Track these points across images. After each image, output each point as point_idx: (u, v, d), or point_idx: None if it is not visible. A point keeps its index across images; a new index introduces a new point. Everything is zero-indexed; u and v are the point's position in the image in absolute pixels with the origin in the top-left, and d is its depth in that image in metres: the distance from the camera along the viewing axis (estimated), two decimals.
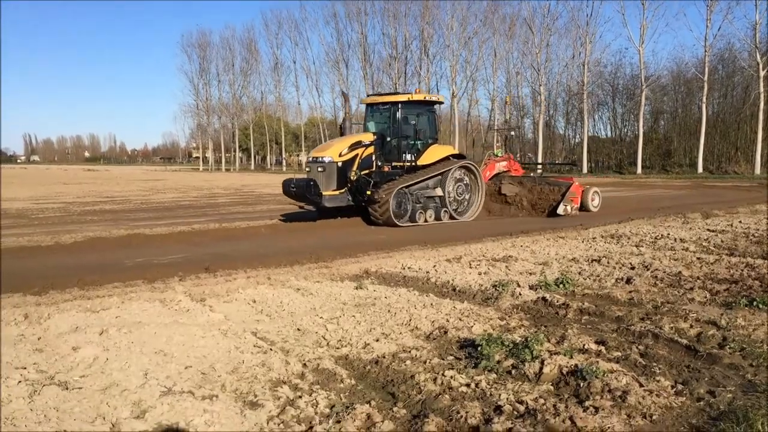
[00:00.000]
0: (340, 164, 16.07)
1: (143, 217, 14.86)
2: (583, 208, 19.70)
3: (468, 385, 4.59)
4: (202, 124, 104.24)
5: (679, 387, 4.52)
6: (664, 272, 8.84)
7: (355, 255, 11.11)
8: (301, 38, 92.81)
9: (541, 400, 4.29)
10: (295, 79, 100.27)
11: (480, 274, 9.03)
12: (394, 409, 4.25)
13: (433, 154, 17.65)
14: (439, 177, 17.47)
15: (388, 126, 17.31)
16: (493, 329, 6.13)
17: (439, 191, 17.48)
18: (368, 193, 15.91)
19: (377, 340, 5.78)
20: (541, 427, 3.90)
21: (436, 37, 78.03)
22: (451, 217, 17.70)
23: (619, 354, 5.29)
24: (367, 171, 16.49)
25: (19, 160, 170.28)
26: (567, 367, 4.84)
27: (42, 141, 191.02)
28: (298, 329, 6.27)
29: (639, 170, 58.07)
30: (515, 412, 4.12)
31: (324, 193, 15.84)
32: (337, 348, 5.65)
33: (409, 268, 9.63)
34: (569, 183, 19.34)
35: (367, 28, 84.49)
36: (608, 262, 9.70)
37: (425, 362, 5.17)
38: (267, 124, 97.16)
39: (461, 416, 4.04)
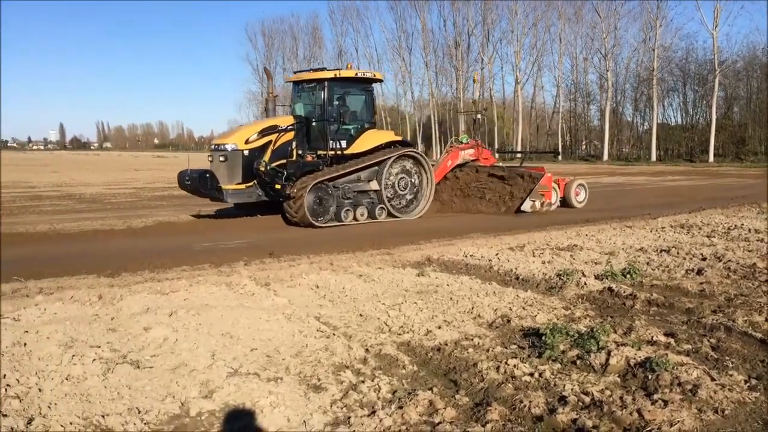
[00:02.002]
0: (246, 153, 13.61)
1: (209, 203, 15.17)
2: (566, 203, 17.52)
3: (531, 375, 4.54)
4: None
5: (753, 382, 4.36)
6: (738, 264, 8.52)
7: (416, 242, 11.10)
8: (364, 26, 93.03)
9: (608, 392, 4.21)
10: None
11: (544, 262, 8.90)
12: (457, 396, 4.24)
13: (368, 140, 15.01)
14: (376, 168, 14.98)
15: (314, 108, 14.96)
16: (558, 319, 6.04)
17: (374, 185, 14.87)
18: (277, 187, 13.44)
19: (439, 328, 5.77)
20: (607, 419, 3.82)
21: (499, 22, 76.79)
22: (390, 215, 15.12)
23: (690, 347, 5.14)
24: (283, 161, 13.91)
25: (92, 147, 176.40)
26: (634, 358, 4.73)
27: (114, 128, 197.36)
28: (361, 315, 6.32)
29: (711, 158, 56.13)
30: (580, 403, 4.05)
31: (225, 186, 13.38)
32: (399, 334, 5.67)
33: (471, 255, 9.57)
34: (539, 174, 16.53)
35: (428, 14, 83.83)
36: (678, 253, 9.41)
37: (488, 350, 5.14)
38: None
39: (524, 405, 4.00)
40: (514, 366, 4.67)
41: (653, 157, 61.95)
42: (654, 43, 62.47)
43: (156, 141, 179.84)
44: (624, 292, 6.96)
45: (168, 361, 4.81)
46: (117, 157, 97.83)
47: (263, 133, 13.89)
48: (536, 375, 4.54)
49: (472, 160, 17.74)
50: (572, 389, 4.25)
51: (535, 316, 6.13)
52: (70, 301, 6.60)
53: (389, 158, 14.97)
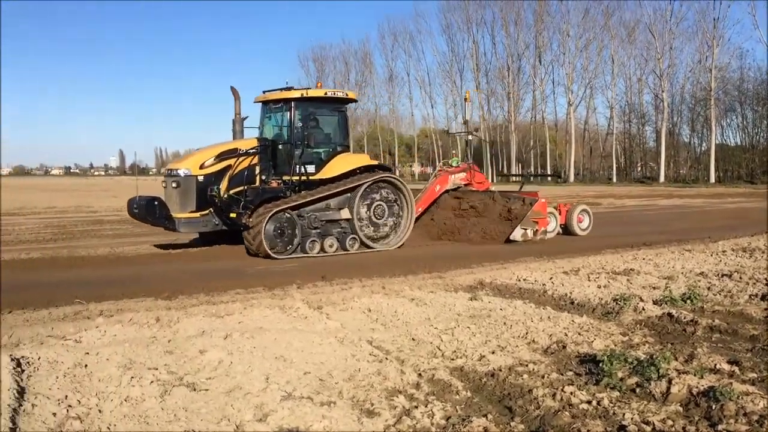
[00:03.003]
0: (200, 178, 12.59)
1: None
2: (567, 230, 16.17)
3: (589, 402, 4.43)
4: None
5: None
6: None
7: (468, 266, 11.03)
8: (416, 49, 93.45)
9: (669, 422, 4.07)
10: (408, 90, 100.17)
11: (599, 287, 8.73)
12: (512, 423, 4.17)
13: (339, 165, 13.64)
14: (348, 195, 13.63)
15: (280, 130, 13.89)
16: (615, 345, 5.90)
17: (345, 213, 13.48)
18: (232, 215, 12.41)
19: (493, 353, 5.70)
20: None
21: (551, 43, 76.44)
22: (364, 245, 13.67)
23: (755, 375, 4.95)
24: (243, 187, 12.89)
25: (150, 173, 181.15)
26: (697, 387, 4.57)
27: (171, 154, 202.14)
28: (413, 339, 6.29)
29: None
30: None
31: (177, 215, 12.46)
32: (452, 359, 5.61)
33: (524, 279, 9.45)
34: (532, 199, 15.08)
35: (481, 37, 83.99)
36: (741, 278, 9.11)
37: (543, 377, 5.04)
38: (381, 136, 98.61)
39: None
40: (571, 393, 4.57)
41: (712, 179, 60.39)
42: (711, 63, 61.17)
43: None
44: (684, 318, 6.75)
45: (223, 383, 4.86)
46: None
47: (221, 157, 12.88)
48: (594, 403, 4.42)
49: (465, 185, 16.53)
50: (632, 418, 4.13)
51: (592, 342, 6.00)
52: (129, 324, 6.75)
53: (362, 184, 13.60)
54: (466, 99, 18.89)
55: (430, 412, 4.33)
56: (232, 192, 12.69)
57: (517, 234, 14.43)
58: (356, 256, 13.05)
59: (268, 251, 12.19)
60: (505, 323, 6.74)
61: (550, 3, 75.05)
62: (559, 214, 16.10)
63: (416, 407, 4.43)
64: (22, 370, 5.02)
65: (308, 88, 13.55)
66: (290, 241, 12.67)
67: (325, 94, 13.71)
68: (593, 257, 11.63)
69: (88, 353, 5.50)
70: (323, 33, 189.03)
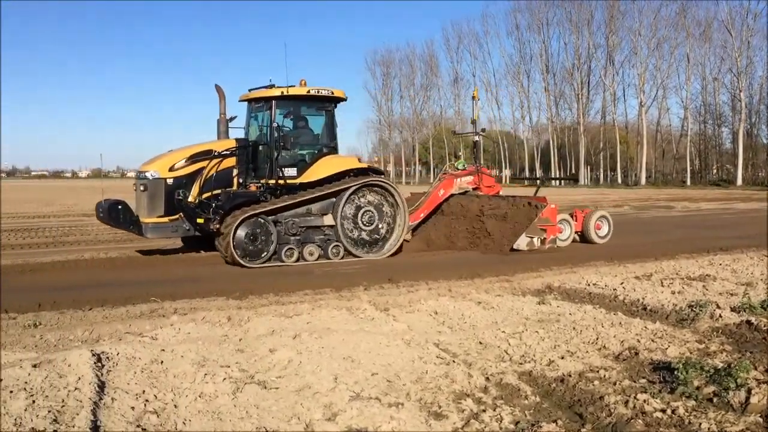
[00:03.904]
0: (169, 181, 11.97)
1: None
2: (585, 238, 15.07)
3: (663, 411, 4.31)
4: (383, 139, 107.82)
5: None
6: None
7: (536, 269, 10.89)
8: (481, 51, 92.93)
9: None
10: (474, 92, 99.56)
11: (673, 293, 8.47)
12: (582, 430, 4.10)
13: (324, 168, 12.74)
14: (332, 200, 12.74)
15: (260, 130, 13.12)
16: (691, 353, 5.72)
17: (328, 219, 12.60)
18: (199, 221, 11.71)
19: (562, 358, 5.61)
20: None
21: (622, 44, 74.67)
22: (349, 254, 12.76)
23: None
24: (217, 191, 12.25)
25: None
26: None
27: None
28: (480, 342, 6.25)
29: None
30: None
31: (144, 219, 11.95)
32: (521, 363, 5.55)
33: (594, 284, 9.26)
34: (540, 205, 13.86)
35: (549, 38, 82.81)
36: None
37: (615, 383, 4.93)
38: (446, 138, 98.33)
39: None
40: (644, 401, 4.45)
41: None
42: None
43: None
44: (764, 326, 6.49)
45: (293, 382, 4.94)
46: None
47: (193, 159, 12.21)
48: (669, 411, 4.30)
49: (473, 189, 15.45)
50: (709, 428, 4.00)
51: (666, 349, 5.83)
52: (202, 322, 6.96)
53: (347, 188, 12.68)
54: (473, 97, 17.28)
55: (499, 416, 4.30)
56: (205, 196, 12.08)
57: (521, 242, 13.39)
58: (422, 259, 13.03)
59: (237, 259, 11.52)
60: (574, 328, 6.63)
61: (621, 3, 73.38)
62: (575, 220, 15.04)
63: (484, 411, 4.40)
64: (102, 365, 5.22)
65: (291, 86, 12.68)
66: (264, 249, 11.89)
67: (308, 92, 12.82)
68: (666, 262, 11.31)
69: (163, 350, 5.68)
70: (390, 36, 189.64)
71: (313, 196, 12.40)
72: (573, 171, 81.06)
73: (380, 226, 13.15)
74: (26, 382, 4.75)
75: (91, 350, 5.47)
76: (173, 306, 7.97)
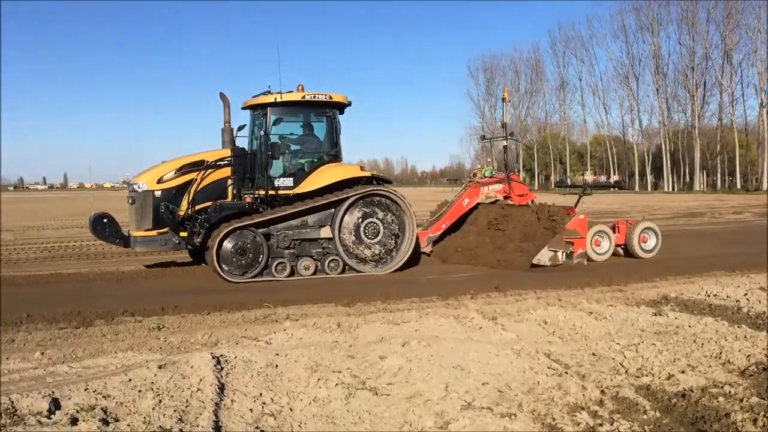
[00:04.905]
0: (158, 194, 11.53)
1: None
2: (628, 252, 13.91)
3: None
4: (486, 146, 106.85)
5: None
6: None
7: (650, 279, 10.50)
8: (588, 55, 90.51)
9: None
10: (580, 96, 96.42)
11: None
12: None
13: (323, 177, 11.99)
14: (331, 210, 12.04)
15: (256, 139, 12.39)
16: None
17: (326, 232, 11.94)
18: (183, 234, 11.43)
19: (683, 372, 5.36)
20: None
21: (740, 42, 70.74)
22: (349, 267, 12.02)
23: None
24: (209, 203, 11.68)
25: None
26: None
27: None
28: (593, 354, 6.07)
29: None
30: None
31: (133, 233, 11.68)
32: (637, 377, 5.35)
33: (714, 295, 8.81)
34: (567, 215, 12.81)
35: (660, 38, 79.64)
36: None
37: (742, 400, 4.66)
38: (551, 144, 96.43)
39: None
40: None
41: None
42: None
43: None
44: None
45: (403, 389, 4.98)
46: None
47: (183, 170, 11.74)
48: None
49: (504, 198, 14.58)
50: None
51: None
52: (313, 328, 7.14)
53: (346, 198, 11.91)
54: (504, 99, 15.87)
55: (616, 430, 4.16)
56: (197, 208, 11.62)
57: (543, 257, 12.29)
58: (531, 270, 12.77)
59: (221, 273, 11.13)
60: (695, 341, 6.31)
61: (739, 1, 69.61)
62: (616, 233, 13.91)
63: (600, 425, 4.28)
64: (222, 368, 5.45)
65: (290, 92, 12.11)
66: (253, 263, 11.39)
67: (304, 97, 12.10)
68: None
69: (278, 354, 5.86)
70: (493, 42, 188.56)
71: (307, 207, 11.74)
72: (688, 176, 77.42)
73: (386, 238, 12.27)
74: (152, 383, 5.04)
75: (211, 353, 5.72)
76: (285, 312, 8.24)
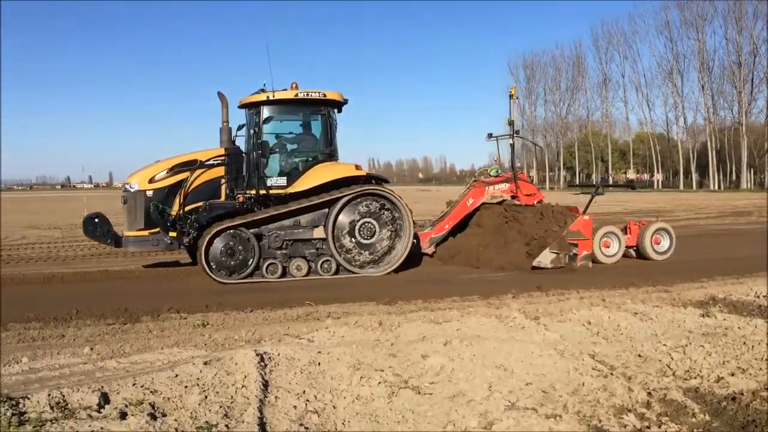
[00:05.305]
0: (149, 193, 11.46)
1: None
2: (641, 254, 13.37)
3: None
4: (526, 144, 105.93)
5: None
6: None
7: (697, 279, 10.29)
8: (631, 51, 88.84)
9: None
10: (623, 93, 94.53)
11: None
12: None
13: (316, 176, 11.73)
14: (324, 210, 11.80)
15: (249, 137, 12.19)
16: None
17: (319, 232, 11.68)
18: (172, 234, 11.36)
19: (732, 375, 5.23)
20: None
21: None
22: (342, 269, 11.78)
23: None
24: (201, 203, 11.53)
25: None
26: None
27: (383, 164, 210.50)
28: (639, 355, 5.97)
29: None
30: None
31: (125, 233, 11.60)
32: (685, 379, 5.24)
33: (764, 296, 8.58)
34: (571, 216, 12.55)
35: (707, 34, 77.92)
36: None
37: None
38: (592, 142, 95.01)
39: None
40: None
41: None
42: None
43: (420, 175, 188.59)
44: None
45: (446, 389, 4.96)
46: None
47: (175, 170, 11.65)
48: None
49: (512, 197, 14.13)
50: None
51: None
52: (355, 326, 7.16)
53: (339, 198, 11.65)
54: (511, 96, 15.02)
55: None
56: (189, 208, 11.51)
57: (544, 259, 11.81)
58: (574, 270, 12.61)
59: (210, 274, 11.03)
60: (744, 343, 6.16)
61: None
62: (627, 234, 13.45)
63: (648, 428, 4.21)
64: (265, 365, 5.50)
65: (284, 90, 11.91)
66: (243, 264, 11.26)
67: (296, 95, 11.88)
68: None
69: (320, 352, 5.90)
70: (534, 40, 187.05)
71: (299, 207, 11.53)
72: (734, 174, 75.56)
73: (381, 239, 11.92)
74: (198, 378, 5.11)
75: (255, 350, 5.78)
76: (327, 310, 8.29)
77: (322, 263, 11.68)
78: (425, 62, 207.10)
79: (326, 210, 11.75)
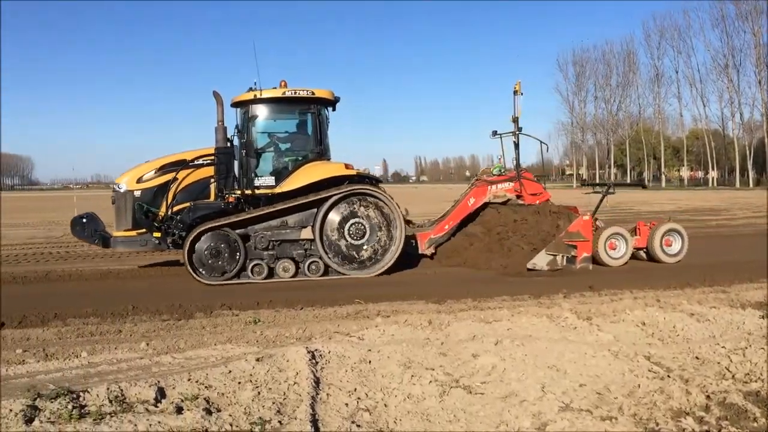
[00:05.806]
0: (137, 193, 11.47)
1: None
2: (651, 257, 12.75)
3: None
4: (575, 142, 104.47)
5: None
6: None
7: (757, 279, 9.99)
8: (685, 46, 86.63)
9: None
10: (677, 89, 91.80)
11: None
12: None
13: (305, 176, 11.51)
14: (313, 210, 11.58)
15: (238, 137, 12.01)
16: None
17: (306, 233, 11.44)
18: (156, 235, 11.34)
19: None
20: None
21: None
22: (332, 270, 11.54)
23: None
24: (190, 203, 11.48)
25: (410, 180, 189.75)
26: None
27: (430, 162, 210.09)
28: (696, 357, 5.81)
29: None
30: None
31: (114, 233, 11.60)
32: (746, 382, 5.09)
33: None
34: (571, 215, 12.33)
35: (762, 27, 75.50)
36: None
37: None
38: (644, 139, 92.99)
39: None
40: None
41: None
42: None
43: (467, 173, 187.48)
44: None
45: (498, 389, 4.92)
46: (432, 189, 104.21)
47: (163, 170, 11.63)
48: None
49: (516, 197, 13.77)
50: None
51: None
52: (404, 325, 7.16)
53: (327, 198, 11.42)
54: (515, 91, 14.26)
55: None
56: (176, 208, 11.46)
57: (540, 261, 11.50)
58: (633, 264, 12.34)
59: (194, 275, 10.97)
60: None
61: None
62: (636, 235, 12.85)
63: (707, 431, 4.10)
64: (316, 362, 5.54)
65: (273, 88, 11.77)
66: (229, 265, 11.12)
67: (284, 93, 11.71)
68: None
69: (370, 350, 5.91)
70: (585, 35, 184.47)
71: (285, 207, 11.36)
72: None
73: (372, 240, 11.68)
74: (251, 375, 5.17)
75: (306, 347, 5.82)
76: (376, 308, 8.31)
77: (310, 264, 11.50)
78: (465, 60, 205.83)
79: (314, 210, 11.58)
